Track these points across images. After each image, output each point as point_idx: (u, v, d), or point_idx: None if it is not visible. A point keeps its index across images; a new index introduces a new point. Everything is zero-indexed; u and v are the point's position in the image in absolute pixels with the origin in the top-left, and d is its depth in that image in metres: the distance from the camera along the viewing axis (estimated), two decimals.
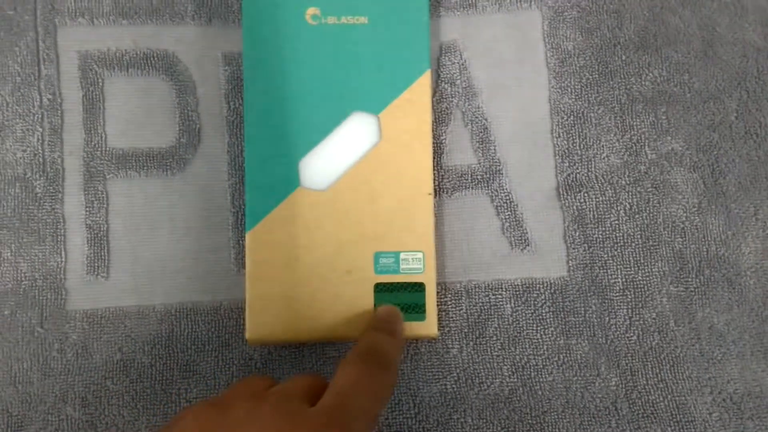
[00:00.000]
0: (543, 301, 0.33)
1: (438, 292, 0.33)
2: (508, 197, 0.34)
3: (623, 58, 0.35)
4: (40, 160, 0.33)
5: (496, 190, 0.34)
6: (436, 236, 0.33)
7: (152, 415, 0.31)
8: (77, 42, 0.34)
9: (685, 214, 0.34)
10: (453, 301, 0.33)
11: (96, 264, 0.32)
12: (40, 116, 0.33)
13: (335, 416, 0.23)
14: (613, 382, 0.32)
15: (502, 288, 0.33)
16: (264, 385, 0.25)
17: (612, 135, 0.34)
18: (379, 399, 0.25)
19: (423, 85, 0.32)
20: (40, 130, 0.33)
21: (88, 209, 0.33)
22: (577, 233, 0.34)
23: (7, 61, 0.33)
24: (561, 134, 0.34)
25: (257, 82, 0.32)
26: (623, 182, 0.34)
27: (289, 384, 0.25)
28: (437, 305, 0.32)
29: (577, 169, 0.34)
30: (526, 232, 0.33)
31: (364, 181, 0.31)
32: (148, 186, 0.33)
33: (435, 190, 0.34)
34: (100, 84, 0.34)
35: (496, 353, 0.33)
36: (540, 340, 0.33)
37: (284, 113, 0.31)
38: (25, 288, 0.32)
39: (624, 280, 0.33)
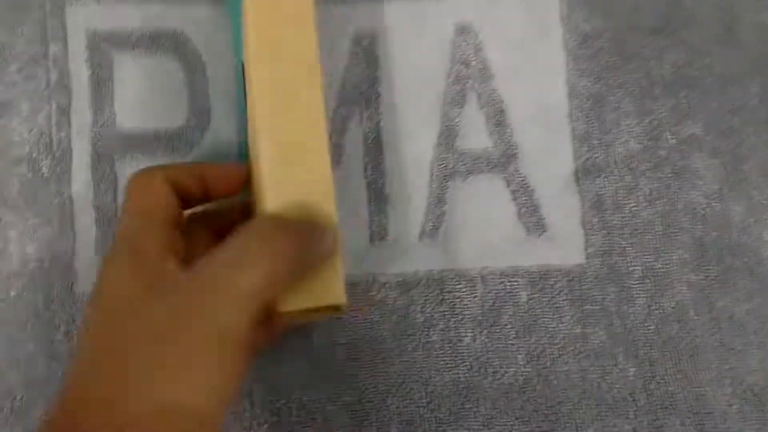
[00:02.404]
0: (560, 289, 0.32)
1: (452, 279, 0.32)
2: (524, 182, 0.33)
3: (642, 41, 0.34)
4: (47, 140, 0.32)
5: (512, 175, 0.33)
6: (450, 220, 0.32)
7: None
8: (85, 20, 0.33)
9: (705, 201, 0.33)
10: (467, 288, 0.32)
11: (104, 246, 0.32)
12: (47, 95, 0.33)
13: (202, 296, 0.21)
14: (631, 372, 0.32)
15: (517, 275, 0.32)
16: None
17: (631, 119, 0.33)
18: (273, 283, 0.22)
19: None
20: (48, 109, 0.33)
21: (96, 190, 0.32)
22: (596, 219, 0.33)
23: (14, 39, 0.33)
24: (579, 118, 0.33)
25: None
26: (643, 167, 0.33)
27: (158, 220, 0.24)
28: (452, 292, 0.32)
29: (596, 153, 0.33)
30: (543, 218, 0.33)
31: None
32: None
33: (449, 173, 0.33)
34: (109, 63, 0.33)
35: (510, 342, 0.32)
36: (556, 329, 0.32)
37: None
38: (32, 269, 0.32)
39: (643, 267, 0.32)
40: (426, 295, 0.32)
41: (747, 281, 0.32)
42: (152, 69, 0.33)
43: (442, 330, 0.32)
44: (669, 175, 0.33)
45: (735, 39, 0.34)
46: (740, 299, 0.32)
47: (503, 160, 0.33)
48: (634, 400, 0.31)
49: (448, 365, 0.32)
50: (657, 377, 0.32)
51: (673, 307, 0.32)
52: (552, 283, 0.32)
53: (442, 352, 0.32)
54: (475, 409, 0.31)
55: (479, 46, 0.34)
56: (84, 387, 0.21)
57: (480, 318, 0.32)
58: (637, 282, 0.32)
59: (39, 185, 0.32)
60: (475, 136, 0.33)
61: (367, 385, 0.31)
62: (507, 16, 0.34)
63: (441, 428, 0.31)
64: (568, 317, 0.32)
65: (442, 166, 0.33)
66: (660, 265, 0.32)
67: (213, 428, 0.21)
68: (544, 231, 0.33)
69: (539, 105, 0.33)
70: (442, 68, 0.34)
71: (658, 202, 0.33)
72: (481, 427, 0.31)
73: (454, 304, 0.32)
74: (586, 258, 0.32)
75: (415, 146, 0.33)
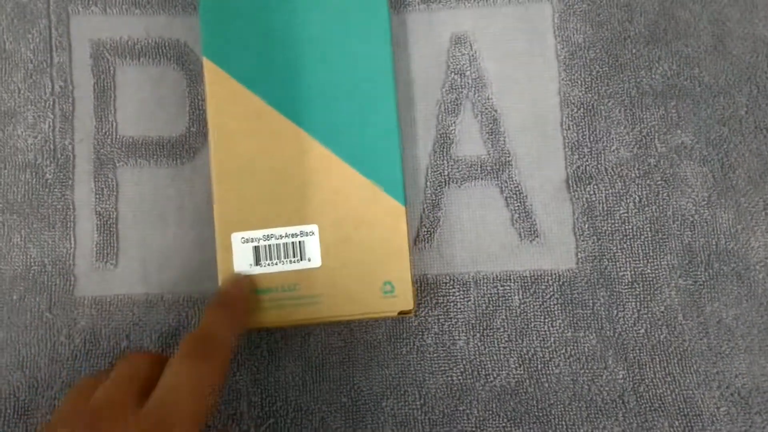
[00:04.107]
0: (551, 293, 0.33)
1: (446, 283, 0.33)
2: (517, 189, 0.34)
3: (633, 51, 0.35)
4: (51, 146, 0.33)
5: (506, 182, 0.34)
6: (445, 225, 0.33)
7: None
8: (90, 30, 0.34)
9: (694, 208, 0.34)
10: (461, 292, 0.33)
11: (105, 251, 0.33)
12: (51, 103, 0.33)
13: (156, 424, 0.23)
14: (621, 376, 0.32)
15: (510, 279, 0.33)
16: (91, 387, 0.25)
17: (622, 128, 0.34)
18: (204, 396, 0.24)
19: None
20: (52, 116, 0.33)
21: (98, 196, 0.33)
22: (587, 225, 0.33)
23: (20, 47, 0.33)
24: (571, 126, 0.34)
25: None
26: (633, 175, 0.34)
27: (115, 380, 0.25)
28: (446, 296, 0.32)
29: (587, 161, 0.34)
30: (536, 224, 0.33)
31: None
32: (157, 174, 0.33)
33: (445, 180, 0.34)
34: (112, 72, 0.34)
35: (503, 345, 0.33)
36: (547, 333, 0.33)
37: None
38: (34, 273, 0.32)
39: (633, 272, 0.33)
40: (420, 299, 0.33)
41: (735, 286, 0.33)
42: (155, 78, 0.34)
43: (436, 333, 0.33)
44: (658, 183, 0.34)
45: (725, 50, 0.35)
46: (728, 304, 0.33)
47: (497, 167, 0.34)
48: (623, 403, 0.32)
49: (442, 368, 0.32)
50: (646, 380, 0.32)
51: (662, 312, 0.33)
52: (544, 287, 0.33)
53: (436, 355, 0.32)
54: (468, 411, 0.32)
55: (474, 56, 0.34)
56: None
57: (473, 322, 0.33)
58: (626, 287, 0.33)
59: (43, 191, 0.33)
60: (470, 144, 0.34)
61: (362, 387, 0.32)
62: (501, 27, 0.35)
63: (434, 430, 0.32)
64: (559, 321, 0.33)
65: (438, 172, 0.34)
66: (649, 271, 0.33)
67: None
68: (537, 237, 0.33)
69: (532, 114, 0.34)
70: (437, 78, 0.34)
71: (647, 208, 0.34)
72: (473, 429, 0.32)
73: (448, 308, 0.33)
74: (577, 263, 0.33)
75: (411, 153, 0.34)
